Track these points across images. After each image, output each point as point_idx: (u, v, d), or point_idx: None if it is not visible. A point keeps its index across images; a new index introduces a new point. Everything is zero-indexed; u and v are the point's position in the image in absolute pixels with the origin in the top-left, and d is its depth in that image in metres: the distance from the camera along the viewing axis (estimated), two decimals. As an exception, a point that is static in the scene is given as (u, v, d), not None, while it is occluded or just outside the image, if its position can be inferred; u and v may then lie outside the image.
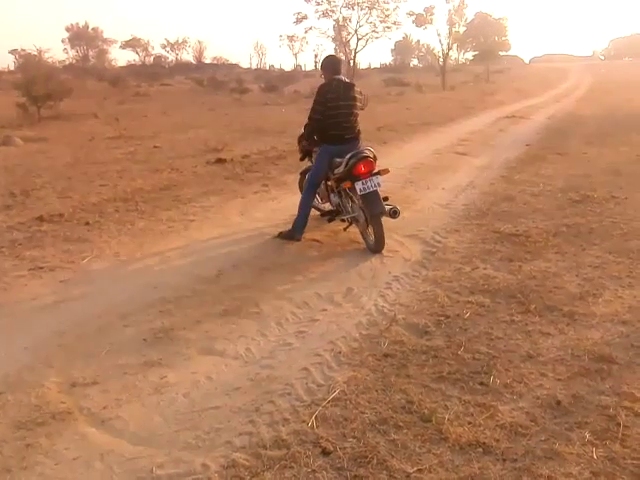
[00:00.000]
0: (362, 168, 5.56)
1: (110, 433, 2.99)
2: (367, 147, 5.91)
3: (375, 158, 5.77)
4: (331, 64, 6.13)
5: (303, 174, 6.81)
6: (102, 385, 3.42)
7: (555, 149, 12.15)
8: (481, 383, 3.40)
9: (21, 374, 3.53)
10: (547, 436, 2.92)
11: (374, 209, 5.54)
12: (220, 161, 10.87)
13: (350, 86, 5.99)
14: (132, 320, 4.24)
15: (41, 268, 5.25)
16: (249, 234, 6.36)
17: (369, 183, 5.54)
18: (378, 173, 5.64)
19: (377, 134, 15.00)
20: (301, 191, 6.55)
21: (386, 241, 5.71)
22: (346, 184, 5.67)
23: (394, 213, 5.68)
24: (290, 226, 6.12)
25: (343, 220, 6.12)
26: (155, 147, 12.98)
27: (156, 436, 2.97)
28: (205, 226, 6.68)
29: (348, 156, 5.66)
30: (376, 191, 5.57)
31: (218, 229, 6.57)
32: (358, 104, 6.02)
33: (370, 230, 5.72)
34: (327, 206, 6.53)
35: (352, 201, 5.89)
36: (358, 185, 5.54)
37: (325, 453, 2.80)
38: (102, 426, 3.05)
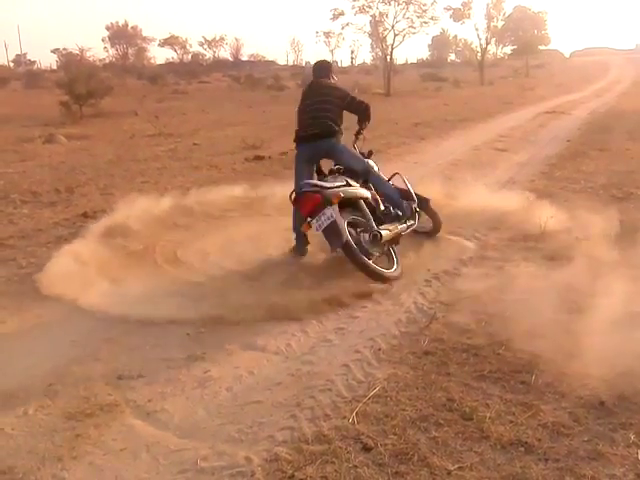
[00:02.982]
0: (303, 209, 5.04)
1: (155, 425, 3.07)
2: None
3: (322, 188, 5.04)
4: (312, 69, 5.93)
5: None
6: (147, 378, 3.51)
7: (597, 145, 11.93)
8: (522, 382, 3.38)
9: (69, 366, 3.63)
10: (590, 437, 2.88)
11: (334, 243, 4.92)
12: (258, 158, 10.96)
13: (319, 84, 5.67)
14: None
15: (86, 263, 5.37)
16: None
17: (322, 218, 4.91)
18: (330, 203, 4.94)
19: (414, 130, 14.94)
20: None
21: (424, 239, 5.71)
22: (305, 227, 5.14)
23: (374, 237, 5.08)
24: None
25: None
26: (194, 144, 13.16)
27: (200, 429, 3.03)
28: (243, 222, 6.73)
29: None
30: (333, 222, 4.89)
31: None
32: (332, 101, 5.52)
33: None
34: None
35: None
36: (313, 224, 4.96)
37: (366, 449, 2.82)
38: (148, 418, 3.13)
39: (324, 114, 5.47)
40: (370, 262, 4.91)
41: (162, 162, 10.77)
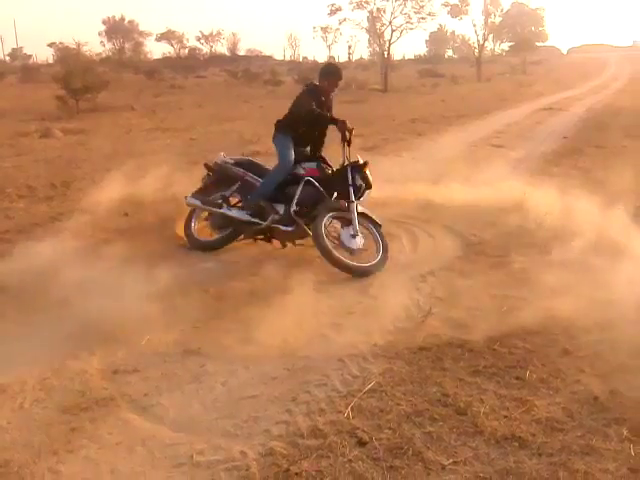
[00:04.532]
0: None
1: (151, 419, 3.08)
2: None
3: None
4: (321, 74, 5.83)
5: None
6: (143, 373, 3.51)
7: (593, 142, 11.96)
8: (517, 377, 3.40)
9: (65, 361, 3.63)
10: (584, 432, 2.90)
11: None
12: (256, 153, 10.93)
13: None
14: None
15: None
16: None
17: None
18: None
19: (411, 126, 14.94)
20: None
21: (420, 235, 5.74)
22: None
23: None
24: None
25: None
26: (191, 139, 13.14)
27: (195, 423, 3.04)
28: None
29: None
30: None
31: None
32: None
33: None
34: None
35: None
36: None
37: (361, 443, 2.84)
38: (143, 412, 3.13)
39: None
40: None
41: (159, 157, 10.73)
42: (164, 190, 7.28)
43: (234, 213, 5.58)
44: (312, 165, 5.63)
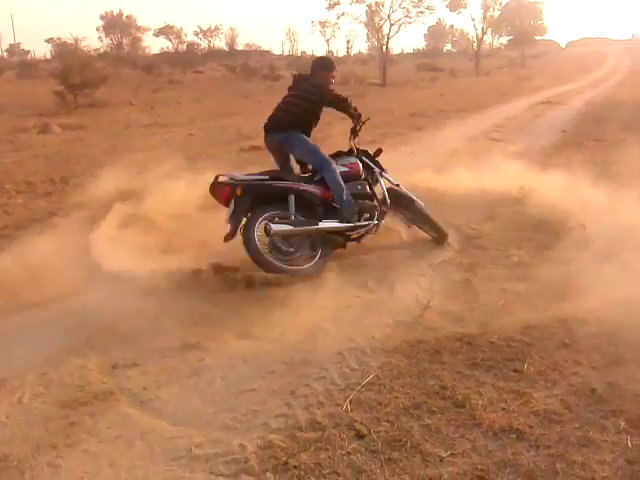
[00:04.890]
0: (220, 199, 5.04)
1: (150, 413, 3.09)
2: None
3: (234, 177, 5.08)
4: (312, 67, 5.64)
5: None
6: (142, 367, 3.52)
7: (592, 135, 11.95)
8: (515, 370, 3.41)
9: (64, 355, 3.65)
10: (581, 423, 2.91)
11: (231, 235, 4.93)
12: (254, 148, 10.93)
13: (302, 79, 5.59)
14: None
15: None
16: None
17: (229, 209, 4.96)
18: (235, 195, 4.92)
19: (410, 120, 14.94)
20: None
21: (419, 230, 5.75)
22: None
23: (264, 229, 4.89)
24: None
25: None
26: (190, 134, 13.13)
27: (194, 417, 3.05)
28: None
29: None
30: (232, 213, 4.93)
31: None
32: (302, 96, 5.35)
33: None
34: None
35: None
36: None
37: (359, 436, 2.85)
38: (142, 406, 3.15)
39: (287, 107, 5.38)
40: (264, 254, 4.82)
41: (158, 152, 10.73)
42: (162, 186, 7.29)
43: (339, 224, 5.14)
44: (353, 160, 5.50)
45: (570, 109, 17.85)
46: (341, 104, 5.34)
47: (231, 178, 5.01)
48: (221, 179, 5.02)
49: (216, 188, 4.99)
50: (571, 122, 14.47)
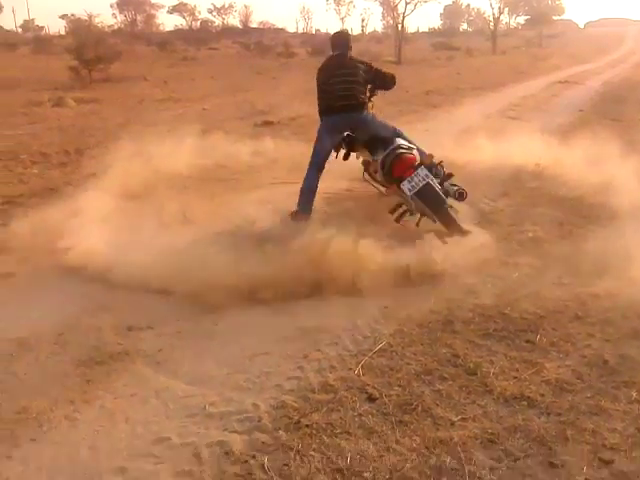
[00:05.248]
0: (398, 170, 4.99)
1: (165, 373, 3.13)
2: (394, 132, 5.47)
3: (411, 147, 5.21)
4: (331, 41, 5.84)
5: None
6: (157, 330, 3.56)
7: (609, 115, 11.80)
8: (527, 341, 3.41)
9: (80, 317, 3.70)
10: (593, 393, 2.92)
11: (434, 205, 4.91)
12: (267, 123, 10.92)
13: (344, 57, 5.60)
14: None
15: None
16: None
17: (415, 179, 4.87)
18: (421, 164, 4.95)
19: (426, 98, 14.83)
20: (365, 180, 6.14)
21: None
22: (391, 189, 5.15)
23: (460, 195, 5.04)
24: None
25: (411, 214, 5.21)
26: (204, 109, 13.10)
27: (208, 377, 3.10)
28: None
29: (381, 158, 5.17)
30: (427, 184, 4.88)
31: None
32: (359, 74, 5.48)
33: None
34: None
35: None
36: (404, 186, 4.89)
37: (371, 399, 2.88)
38: (157, 367, 3.19)
39: (354, 87, 5.47)
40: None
41: (172, 126, 10.73)
42: (176, 158, 7.33)
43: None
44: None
45: (588, 89, 17.63)
46: (387, 77, 5.66)
47: (407, 148, 5.15)
48: (398, 150, 5.09)
49: (396, 159, 5.03)
50: (589, 102, 14.30)
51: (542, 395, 2.91)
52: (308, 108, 12.75)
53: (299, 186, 5.42)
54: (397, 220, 5.10)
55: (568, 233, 5.13)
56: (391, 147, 5.14)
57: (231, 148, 8.28)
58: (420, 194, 4.88)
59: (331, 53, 5.73)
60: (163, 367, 3.19)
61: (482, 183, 6.72)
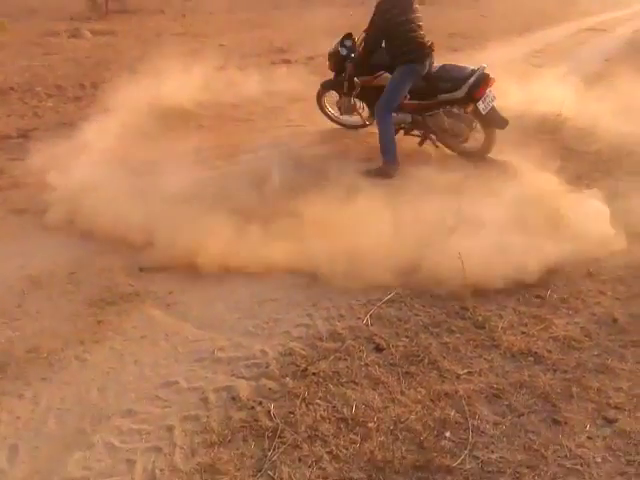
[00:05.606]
0: (483, 90, 5.35)
1: (175, 316, 3.17)
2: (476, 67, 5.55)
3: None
4: None
5: (325, 86, 6.39)
6: (168, 273, 3.57)
7: (636, 65, 11.42)
8: (537, 296, 3.40)
9: (91, 257, 3.71)
10: (600, 351, 2.93)
11: (500, 124, 5.48)
12: (285, 62, 10.70)
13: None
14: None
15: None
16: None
17: (487, 100, 5.38)
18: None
19: (448, 41, 14.39)
20: (319, 104, 6.49)
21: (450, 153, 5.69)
22: (468, 107, 5.43)
23: (506, 123, 5.55)
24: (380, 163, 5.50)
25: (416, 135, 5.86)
26: (221, 45, 12.83)
27: (218, 322, 3.13)
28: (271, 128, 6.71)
29: (472, 79, 5.36)
30: (493, 105, 5.45)
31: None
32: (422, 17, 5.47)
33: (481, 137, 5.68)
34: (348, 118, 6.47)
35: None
36: (480, 105, 5.34)
37: (378, 349, 2.90)
38: (167, 309, 3.23)
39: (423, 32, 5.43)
40: None
41: (188, 62, 10.54)
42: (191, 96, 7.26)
43: None
44: None
45: (616, 37, 16.99)
46: None
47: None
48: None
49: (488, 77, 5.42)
50: (616, 51, 13.82)
51: (549, 352, 2.91)
52: (325, 47, 12.49)
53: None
54: (406, 133, 5.89)
55: (583, 188, 5.03)
56: (479, 69, 5.44)
57: (248, 87, 8.14)
58: (490, 114, 5.44)
59: None
60: (173, 310, 3.22)
61: (500, 133, 6.57)
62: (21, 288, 3.38)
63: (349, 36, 6.06)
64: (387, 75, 5.61)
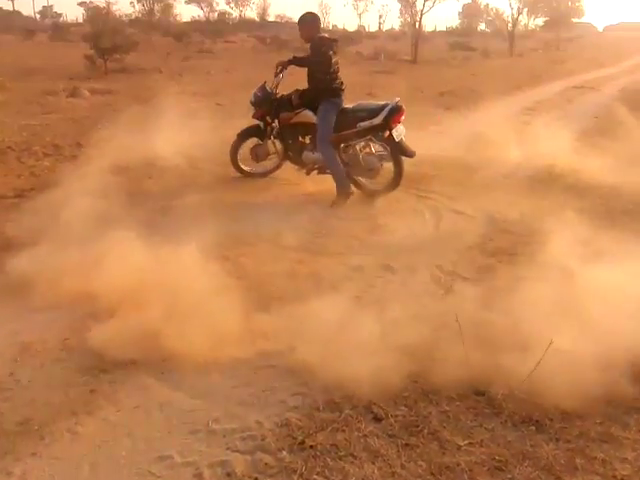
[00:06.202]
0: (398, 119, 6.05)
1: (169, 385, 3.09)
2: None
3: None
4: (317, 21, 6.39)
5: (243, 135, 7.02)
6: (162, 338, 3.50)
7: (625, 123, 11.64)
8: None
9: (85, 321, 3.66)
10: (603, 419, 2.86)
11: (410, 153, 6.14)
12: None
13: (336, 42, 6.31)
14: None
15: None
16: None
17: (399, 130, 6.07)
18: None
19: (440, 99, 14.73)
20: (233, 157, 7.02)
21: (443, 212, 5.78)
22: (385, 134, 6.09)
23: (412, 154, 6.19)
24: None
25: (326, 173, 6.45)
26: (218, 104, 13.05)
27: (213, 391, 3.06)
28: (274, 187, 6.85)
29: (389, 108, 6.03)
30: (402, 138, 6.12)
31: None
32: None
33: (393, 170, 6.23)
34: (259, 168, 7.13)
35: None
36: (395, 133, 6.01)
37: (377, 419, 2.84)
38: (162, 377, 3.15)
39: None
40: None
41: (184, 121, 10.69)
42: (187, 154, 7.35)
43: None
44: None
45: (604, 95, 17.42)
46: None
47: None
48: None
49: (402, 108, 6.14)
50: (604, 108, 14.13)
51: (551, 420, 2.85)
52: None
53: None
54: (306, 172, 6.60)
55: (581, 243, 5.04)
56: (393, 102, 6.10)
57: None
58: (400, 142, 6.10)
59: (320, 34, 6.26)
60: (167, 378, 3.15)
61: (493, 190, 6.64)
62: (13, 355, 3.32)
63: (264, 84, 6.89)
64: (307, 112, 6.40)
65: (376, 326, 3.43)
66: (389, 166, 6.26)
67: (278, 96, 6.69)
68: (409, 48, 35.33)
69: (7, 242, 4.76)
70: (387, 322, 3.49)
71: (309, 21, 6.31)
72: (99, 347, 3.32)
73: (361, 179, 6.41)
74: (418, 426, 2.79)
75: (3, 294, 4.00)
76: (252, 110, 6.89)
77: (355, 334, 3.33)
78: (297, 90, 6.48)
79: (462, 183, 6.87)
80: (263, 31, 52.36)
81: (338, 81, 6.23)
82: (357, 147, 6.29)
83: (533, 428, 2.80)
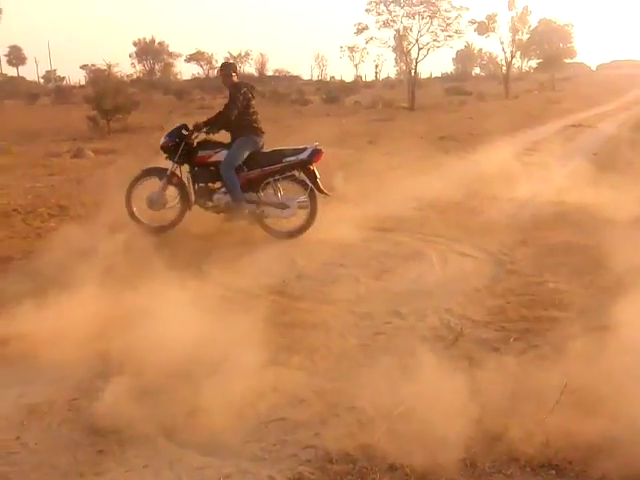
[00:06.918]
0: (318, 159, 6.73)
1: (178, 442, 3.01)
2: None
3: None
4: (232, 69, 7.28)
5: (151, 172, 7.46)
6: (170, 394, 3.44)
7: (625, 159, 11.72)
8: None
9: (93, 381, 3.62)
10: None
11: (324, 191, 6.72)
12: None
13: (253, 88, 7.22)
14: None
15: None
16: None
17: (316, 170, 6.73)
18: None
19: (439, 144, 14.88)
20: (128, 199, 7.26)
21: (449, 255, 5.75)
22: (308, 170, 6.69)
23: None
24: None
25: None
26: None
27: (223, 447, 2.98)
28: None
29: (313, 147, 6.72)
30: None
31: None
32: None
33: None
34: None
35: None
36: (316, 169, 6.72)
37: (392, 469, 2.76)
38: (171, 435, 3.07)
39: None
40: None
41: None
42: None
43: None
44: None
45: (602, 132, 17.62)
46: None
47: None
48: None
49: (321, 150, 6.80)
50: (603, 145, 14.26)
51: (570, 463, 2.77)
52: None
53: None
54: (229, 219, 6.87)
55: (590, 283, 5.02)
56: (313, 145, 6.78)
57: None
58: (319, 181, 6.68)
59: (238, 80, 7.07)
60: (177, 436, 3.07)
61: (499, 231, 6.66)
62: (20, 419, 3.26)
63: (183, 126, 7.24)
64: (225, 151, 6.83)
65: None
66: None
67: (195, 139, 7.11)
68: (406, 95, 35.97)
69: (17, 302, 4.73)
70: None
71: (225, 69, 7.18)
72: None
73: (274, 220, 6.83)
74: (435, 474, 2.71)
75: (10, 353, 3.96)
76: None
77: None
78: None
79: (467, 225, 6.90)
80: (262, 85, 53.32)
81: (258, 123, 7.00)
82: (278, 184, 6.81)
83: (553, 472, 2.74)
